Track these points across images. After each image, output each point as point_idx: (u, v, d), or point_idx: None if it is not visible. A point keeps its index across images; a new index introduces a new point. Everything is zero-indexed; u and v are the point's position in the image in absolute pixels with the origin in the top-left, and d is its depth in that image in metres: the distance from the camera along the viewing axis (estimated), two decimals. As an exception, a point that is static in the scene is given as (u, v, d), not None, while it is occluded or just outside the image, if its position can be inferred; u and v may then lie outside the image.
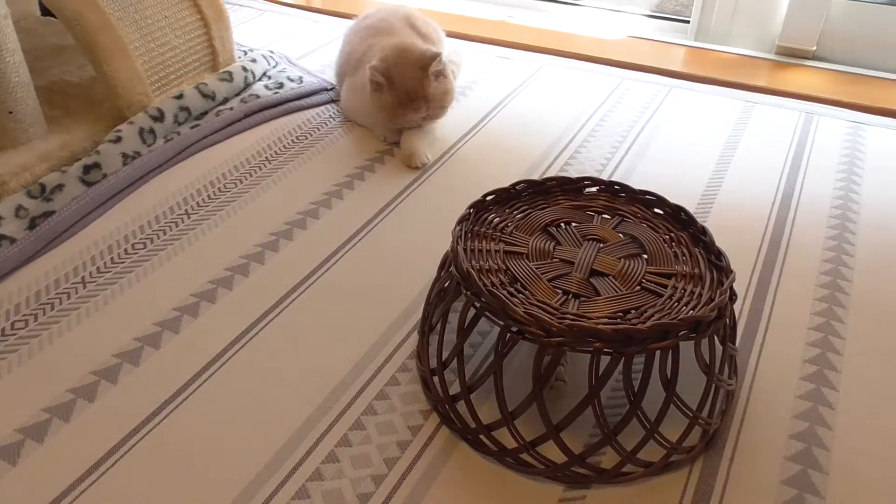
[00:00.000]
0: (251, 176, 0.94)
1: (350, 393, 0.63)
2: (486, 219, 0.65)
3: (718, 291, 0.55)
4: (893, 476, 0.57)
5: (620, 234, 0.63)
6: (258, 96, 1.08)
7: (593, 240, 0.63)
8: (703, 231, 0.62)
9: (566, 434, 0.54)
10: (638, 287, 0.57)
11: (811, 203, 0.90)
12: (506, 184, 0.69)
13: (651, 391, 0.53)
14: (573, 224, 0.65)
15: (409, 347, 0.68)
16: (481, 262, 0.59)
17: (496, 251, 0.61)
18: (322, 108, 1.10)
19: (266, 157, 0.97)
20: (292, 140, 1.02)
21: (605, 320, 0.53)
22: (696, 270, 0.59)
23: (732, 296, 0.59)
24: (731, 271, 0.57)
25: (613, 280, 0.58)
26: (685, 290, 0.57)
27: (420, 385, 0.64)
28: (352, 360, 0.67)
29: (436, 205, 0.89)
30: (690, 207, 0.89)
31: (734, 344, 0.61)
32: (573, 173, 0.95)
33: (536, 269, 0.59)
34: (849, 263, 0.80)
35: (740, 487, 0.56)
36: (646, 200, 0.67)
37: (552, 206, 0.67)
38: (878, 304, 0.74)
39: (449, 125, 1.06)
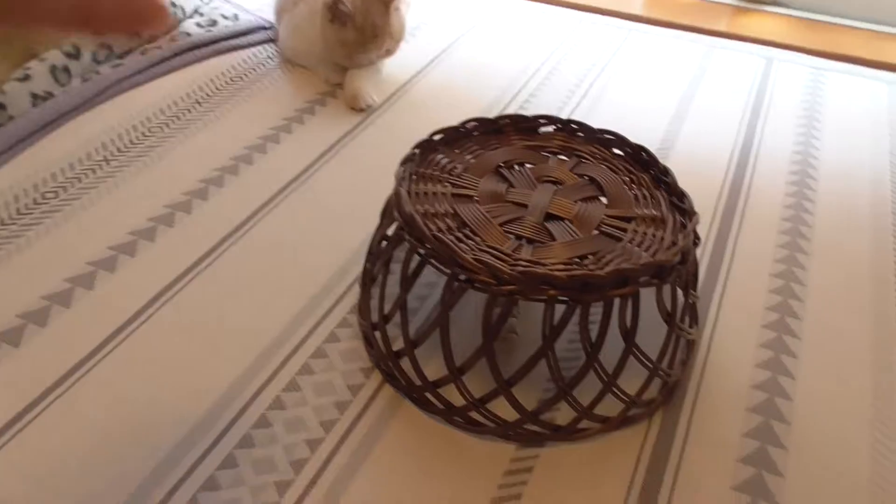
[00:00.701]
0: (179, 119, 0.86)
1: (283, 351, 0.58)
2: (433, 160, 0.59)
3: (681, 235, 0.51)
4: (853, 425, 0.55)
5: (578, 176, 0.59)
6: (188, 34, 1.00)
7: (549, 182, 0.58)
8: (665, 171, 0.58)
9: (518, 389, 0.50)
10: (596, 231, 0.53)
11: (771, 150, 0.87)
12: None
13: (609, 342, 0.49)
14: (527, 165, 0.60)
15: (349, 301, 0.63)
16: (426, 206, 0.53)
17: (443, 194, 0.55)
18: (259, 47, 1.02)
19: (196, 100, 0.89)
20: (225, 82, 0.94)
21: (561, 266, 0.48)
22: (658, 213, 0.55)
23: (696, 240, 0.55)
24: (695, 213, 0.54)
25: (570, 224, 0.53)
26: (646, 234, 0.52)
27: (361, 342, 0.59)
28: (286, 316, 0.61)
29: (381, 150, 0.83)
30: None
31: (696, 291, 0.58)
32: (539, 101, 0.90)
33: (487, 212, 0.54)
34: (810, 209, 0.77)
35: (701, 441, 0.52)
36: (605, 140, 0.62)
37: (505, 146, 0.62)
38: (840, 249, 0.72)
39: (396, 65, 0.99)
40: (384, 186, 0.77)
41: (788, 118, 0.94)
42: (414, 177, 0.57)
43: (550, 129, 0.64)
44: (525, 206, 0.55)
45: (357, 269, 0.66)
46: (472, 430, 0.51)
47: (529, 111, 0.91)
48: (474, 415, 0.51)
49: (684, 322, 0.54)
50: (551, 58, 1.04)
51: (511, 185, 0.57)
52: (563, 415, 0.52)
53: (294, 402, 0.54)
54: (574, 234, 0.52)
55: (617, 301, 0.47)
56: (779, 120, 0.93)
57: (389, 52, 0.94)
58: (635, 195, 0.57)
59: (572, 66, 1.02)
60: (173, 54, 0.96)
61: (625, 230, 0.53)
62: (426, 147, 0.60)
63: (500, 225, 0.52)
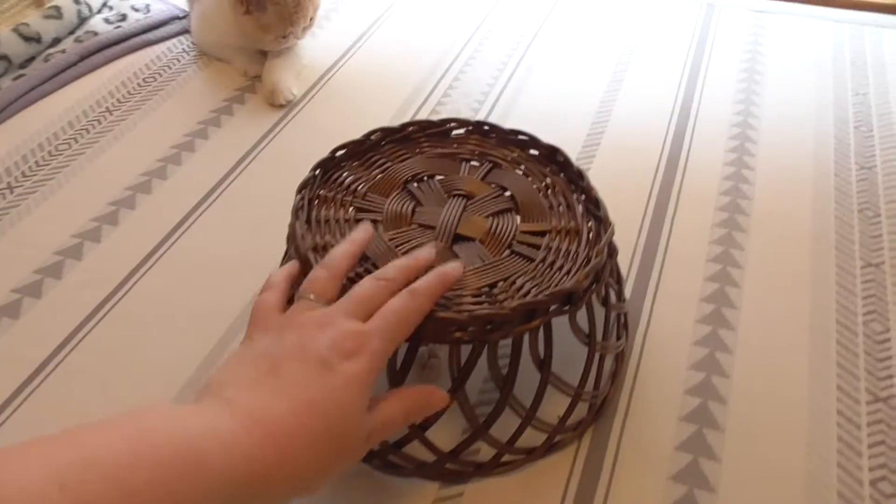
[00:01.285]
0: (88, 133, 0.81)
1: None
2: (336, 179, 0.55)
3: (595, 251, 0.48)
4: (789, 417, 0.53)
5: (489, 186, 0.55)
6: (96, 33, 0.94)
7: (459, 196, 0.54)
8: (581, 175, 0.55)
9: (439, 428, 0.48)
10: (507, 251, 0.50)
11: (711, 113, 0.84)
12: (383, 120, 0.59)
13: (527, 370, 0.47)
14: (438, 177, 0.56)
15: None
16: (327, 238, 0.50)
17: (346, 220, 0.52)
18: (173, 40, 0.96)
19: (107, 108, 0.84)
20: (138, 84, 0.88)
21: (469, 299, 0.45)
22: (573, 223, 0.52)
23: (612, 252, 0.52)
24: (610, 223, 0.50)
25: (480, 245, 0.50)
26: (560, 251, 0.49)
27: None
28: (200, 353, 0.58)
29: (304, 149, 0.78)
30: (587, 123, 0.81)
31: (622, 299, 0.55)
32: (459, 95, 0.86)
33: (390, 240, 0.50)
34: (749, 179, 0.75)
35: (631, 458, 0.51)
36: (518, 141, 0.59)
37: (415, 155, 0.58)
38: (778, 221, 0.70)
39: (316, 50, 0.94)
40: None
41: (729, 73, 0.90)
42: (314, 202, 0.53)
43: (462, 131, 0.60)
44: (433, 227, 0.51)
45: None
46: (394, 473, 0.49)
47: (459, 89, 0.87)
48: (392, 458, 0.49)
49: (609, 337, 0.52)
50: (478, 32, 0.98)
51: (419, 203, 0.54)
52: (486, 450, 0.50)
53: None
54: (484, 258, 0.49)
55: (527, 334, 0.45)
56: (719, 76, 0.89)
57: (312, 20, 0.88)
58: (550, 204, 0.53)
59: (500, 38, 0.97)
60: (80, 58, 0.90)
61: (538, 247, 0.50)
62: (327, 165, 0.56)
63: (405, 255, 0.49)
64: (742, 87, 0.87)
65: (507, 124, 0.60)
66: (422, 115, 0.83)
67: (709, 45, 0.95)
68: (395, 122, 0.60)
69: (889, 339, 0.59)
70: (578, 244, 0.50)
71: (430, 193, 0.54)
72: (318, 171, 0.55)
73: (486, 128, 0.59)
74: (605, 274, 0.49)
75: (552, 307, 0.45)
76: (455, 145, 0.59)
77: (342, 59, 0.93)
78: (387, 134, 0.59)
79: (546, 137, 0.58)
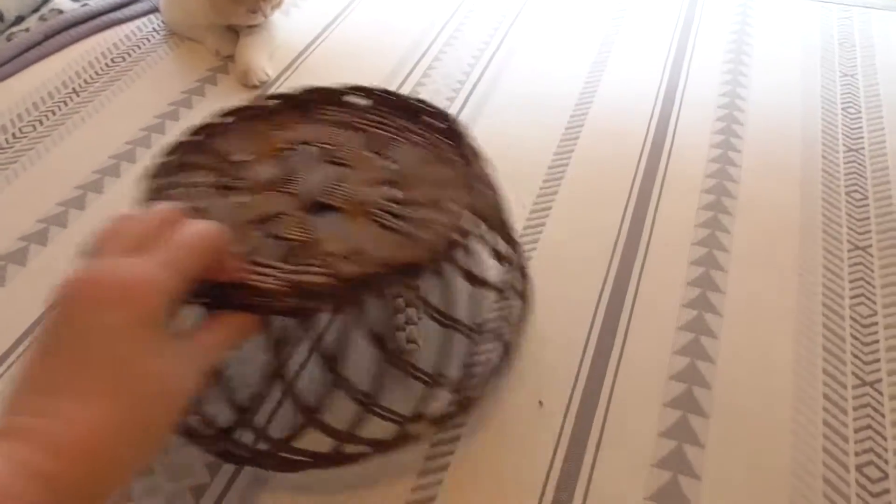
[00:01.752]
0: (54, 115, 0.78)
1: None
2: (215, 146, 0.51)
3: (454, 225, 0.44)
4: (775, 402, 0.52)
5: (375, 154, 0.51)
6: (61, 11, 0.90)
7: (336, 164, 0.50)
8: (474, 151, 0.50)
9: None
10: (372, 222, 0.45)
11: (697, 94, 0.82)
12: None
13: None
14: (319, 145, 0.52)
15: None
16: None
17: (205, 185, 0.48)
18: (143, 19, 0.93)
19: (73, 89, 0.81)
20: (106, 64, 0.85)
21: (317, 271, 0.41)
22: (458, 195, 0.47)
23: (465, 233, 0.46)
24: (495, 189, 0.47)
25: (342, 215, 0.46)
26: (424, 221, 0.45)
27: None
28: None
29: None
30: (570, 105, 0.79)
31: (515, 264, 0.52)
32: (439, 76, 0.84)
33: (242, 206, 0.46)
34: (736, 161, 0.73)
35: (615, 444, 0.49)
36: (415, 108, 0.55)
37: (310, 123, 0.54)
38: (765, 204, 0.68)
39: (291, 30, 0.91)
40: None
41: (716, 54, 0.88)
42: (184, 167, 0.49)
43: (363, 101, 0.56)
44: (295, 195, 0.47)
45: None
46: (236, 462, 0.47)
47: (439, 71, 0.85)
48: (227, 446, 0.46)
49: (479, 318, 0.48)
50: (458, 12, 0.96)
51: (290, 170, 0.49)
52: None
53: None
54: (341, 229, 0.45)
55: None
56: (705, 58, 0.88)
57: (275, 7, 0.85)
58: (432, 175, 0.49)
59: (481, 19, 0.94)
60: (45, 37, 0.87)
61: (405, 218, 0.45)
62: (210, 130, 0.52)
63: (255, 222, 0.45)
64: (728, 69, 0.86)
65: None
66: (405, 90, 0.80)
67: (695, 26, 0.93)
68: None
69: (876, 322, 0.58)
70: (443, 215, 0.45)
71: (303, 160, 0.50)
72: (202, 136, 0.51)
73: (386, 95, 0.55)
74: (457, 249, 0.44)
75: (390, 279, 0.41)
76: (354, 115, 0.55)
77: (317, 39, 0.90)
78: (285, 101, 0.55)
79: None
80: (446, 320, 0.46)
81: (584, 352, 0.55)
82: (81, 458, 0.30)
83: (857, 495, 0.47)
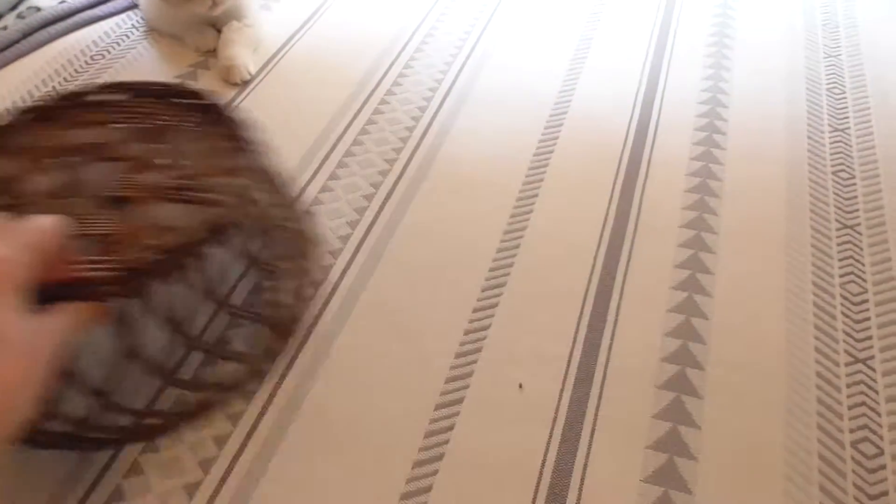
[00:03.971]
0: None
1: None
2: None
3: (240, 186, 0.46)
4: (768, 382, 0.52)
5: (142, 144, 0.51)
6: (39, 9, 0.89)
7: (112, 160, 0.49)
8: (244, 129, 0.51)
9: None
10: (170, 200, 0.45)
11: (681, 78, 0.82)
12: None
13: None
14: (89, 148, 0.51)
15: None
16: None
17: None
18: (122, 16, 0.91)
19: (53, 87, 0.80)
20: (86, 61, 0.84)
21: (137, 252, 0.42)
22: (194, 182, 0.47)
23: (220, 231, 0.46)
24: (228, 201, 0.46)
25: (142, 202, 0.46)
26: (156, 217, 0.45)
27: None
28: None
29: (262, 127, 0.75)
30: (553, 92, 0.79)
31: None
32: (421, 66, 0.83)
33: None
34: (721, 144, 0.73)
35: (610, 428, 0.49)
36: (165, 92, 0.54)
37: (64, 129, 0.52)
38: (752, 186, 0.68)
39: (271, 24, 0.90)
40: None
41: (699, 37, 0.88)
42: None
43: (125, 97, 0.55)
44: (87, 197, 0.46)
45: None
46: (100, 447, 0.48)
47: (421, 62, 0.84)
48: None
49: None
50: (436, 7, 0.95)
51: (73, 176, 0.48)
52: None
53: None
54: (145, 213, 0.45)
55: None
56: (688, 41, 0.87)
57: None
58: (200, 149, 0.49)
59: (458, 15, 0.94)
60: (23, 35, 0.86)
61: (194, 189, 0.46)
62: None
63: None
64: (712, 53, 0.86)
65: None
66: (380, 92, 0.80)
67: (677, 9, 0.93)
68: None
69: (867, 300, 0.58)
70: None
71: (83, 165, 0.49)
72: None
73: (153, 87, 0.55)
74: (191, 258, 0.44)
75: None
76: (115, 111, 0.53)
77: (297, 34, 0.89)
78: (36, 112, 0.53)
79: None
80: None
81: (576, 337, 0.55)
82: None
83: (853, 471, 0.47)
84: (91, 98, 0.55)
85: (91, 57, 0.85)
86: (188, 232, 0.43)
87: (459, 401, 0.51)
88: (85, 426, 0.46)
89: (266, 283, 0.51)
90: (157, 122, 0.53)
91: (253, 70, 0.82)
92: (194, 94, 0.54)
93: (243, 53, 0.82)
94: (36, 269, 0.37)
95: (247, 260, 0.48)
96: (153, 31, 0.89)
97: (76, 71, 0.82)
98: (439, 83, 0.81)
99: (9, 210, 0.45)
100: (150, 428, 0.48)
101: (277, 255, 0.53)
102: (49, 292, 0.39)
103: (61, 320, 0.38)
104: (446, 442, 0.49)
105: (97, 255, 0.42)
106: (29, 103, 0.54)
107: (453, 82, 0.81)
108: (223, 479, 0.47)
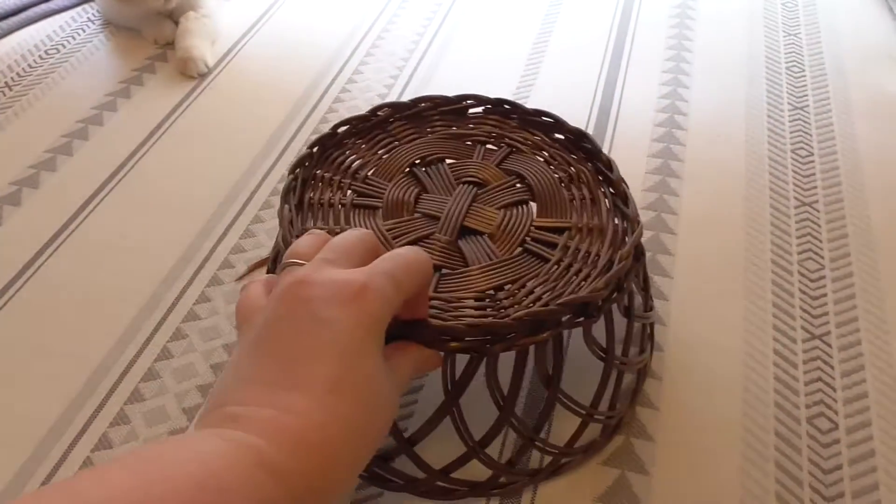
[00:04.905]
0: (-14, 110, 0.75)
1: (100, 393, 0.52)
2: (335, 158, 0.50)
3: (619, 255, 0.42)
4: (726, 361, 0.52)
5: (505, 173, 0.49)
6: (-9, 4, 0.87)
7: (469, 183, 0.49)
8: (609, 165, 0.49)
9: (433, 444, 0.43)
10: (520, 249, 0.44)
11: (642, 58, 0.82)
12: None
13: (534, 384, 0.44)
14: (448, 161, 0.50)
15: (188, 302, 0.57)
16: (319, 223, 0.45)
17: (342, 205, 0.46)
18: (77, 9, 0.90)
19: (5, 83, 0.79)
20: (40, 56, 0.83)
21: (471, 303, 0.41)
22: (596, 220, 0.46)
23: (639, 256, 0.47)
24: (638, 222, 0.45)
25: (488, 241, 0.45)
26: (579, 252, 0.44)
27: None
28: (108, 340, 0.55)
29: (219, 120, 0.74)
30: (516, 76, 0.78)
31: (648, 308, 0.51)
32: (383, 55, 0.82)
33: (388, 231, 0.45)
34: (682, 124, 0.73)
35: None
36: (541, 124, 0.53)
37: (425, 135, 0.52)
38: (712, 166, 0.68)
39: (229, 16, 0.89)
40: (225, 165, 0.70)
41: (661, 17, 0.88)
42: (311, 183, 0.48)
43: (479, 110, 0.54)
44: (438, 217, 0.46)
45: (192, 266, 0.59)
46: (381, 486, 0.45)
47: (382, 49, 0.83)
48: (379, 471, 0.44)
49: (629, 351, 0.47)
50: (391, 3, 0.94)
51: (424, 190, 0.48)
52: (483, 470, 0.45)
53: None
54: (491, 255, 0.44)
55: (533, 347, 0.40)
56: (650, 20, 0.87)
57: None
58: (572, 196, 0.48)
59: (417, 3, 0.93)
60: (-27, 31, 0.84)
61: (555, 245, 0.44)
62: (327, 143, 0.50)
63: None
64: (674, 33, 0.86)
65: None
66: (341, 80, 0.79)
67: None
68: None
69: (824, 276, 0.59)
70: (601, 245, 0.44)
71: (438, 179, 0.49)
72: (315, 149, 0.49)
73: (507, 107, 0.53)
74: (629, 281, 0.43)
75: (563, 318, 0.40)
76: (471, 125, 0.53)
77: (256, 25, 0.88)
78: (396, 110, 0.53)
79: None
80: (605, 356, 0.44)
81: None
82: (311, 453, 0.28)
83: (808, 447, 0.48)
84: (473, 110, 0.54)
85: (46, 51, 0.83)
86: (546, 303, 0.40)
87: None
88: (441, 475, 0.44)
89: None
90: (513, 146, 0.51)
91: (211, 63, 0.81)
92: (563, 126, 0.52)
93: (200, 45, 0.81)
94: (407, 294, 0.34)
95: (598, 351, 0.44)
96: (110, 23, 0.87)
97: (30, 66, 0.81)
98: (406, 61, 0.81)
99: (366, 210, 0.46)
100: (502, 485, 0.45)
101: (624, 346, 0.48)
102: (401, 328, 0.37)
103: (407, 365, 0.36)
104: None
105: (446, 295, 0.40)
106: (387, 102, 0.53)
107: (421, 58, 0.81)
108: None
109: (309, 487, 0.27)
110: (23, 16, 0.87)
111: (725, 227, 0.62)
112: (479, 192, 0.48)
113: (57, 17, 0.88)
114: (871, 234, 0.62)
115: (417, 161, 0.50)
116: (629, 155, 0.69)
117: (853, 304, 0.56)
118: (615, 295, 0.42)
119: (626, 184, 0.48)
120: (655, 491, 0.45)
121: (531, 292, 0.41)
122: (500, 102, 0.54)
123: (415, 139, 0.52)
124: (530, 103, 0.74)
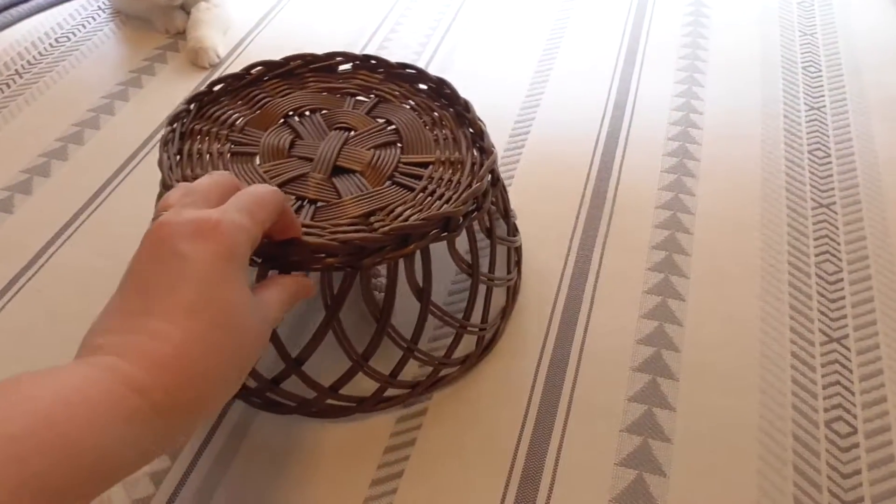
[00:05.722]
0: (-4, 98, 0.75)
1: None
2: (213, 114, 0.52)
3: (475, 178, 0.47)
4: (743, 362, 0.52)
5: (374, 119, 0.53)
6: (1, -9, 0.86)
7: (341, 129, 0.52)
8: (467, 107, 0.52)
9: (318, 362, 0.46)
10: (388, 182, 0.48)
11: (657, 59, 0.81)
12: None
13: (410, 301, 0.46)
14: (321, 112, 0.53)
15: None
16: (198, 171, 0.47)
17: (219, 154, 0.49)
18: (87, -2, 0.89)
19: (16, 70, 0.78)
20: (51, 44, 0.82)
21: (345, 228, 0.43)
22: (457, 154, 0.50)
23: (495, 182, 0.50)
24: (492, 152, 0.49)
25: (360, 177, 0.48)
26: (442, 180, 0.48)
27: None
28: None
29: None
30: (528, 73, 0.78)
31: (511, 234, 0.54)
32: (389, 55, 0.82)
33: (266, 173, 0.48)
34: (697, 123, 0.72)
35: (584, 411, 0.49)
36: (407, 76, 0.56)
37: (298, 90, 0.55)
38: (728, 165, 0.68)
39: (240, 7, 0.88)
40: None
41: (675, 18, 0.87)
42: (188, 135, 0.50)
43: (349, 66, 0.57)
44: (311, 159, 0.49)
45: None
46: (276, 411, 0.48)
47: (388, 51, 0.83)
48: (271, 395, 0.47)
49: (494, 269, 0.51)
50: (398, 4, 0.94)
51: (298, 137, 0.51)
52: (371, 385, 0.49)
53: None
54: (363, 188, 0.47)
55: (402, 261, 0.43)
56: (665, 22, 0.87)
57: None
58: (435, 137, 0.51)
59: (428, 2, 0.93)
60: (-16, 18, 0.83)
61: (420, 177, 0.48)
62: (203, 99, 0.52)
63: (280, 186, 0.47)
64: (688, 31, 0.85)
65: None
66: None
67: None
68: None
69: (842, 279, 0.58)
70: (461, 174, 0.48)
71: (311, 127, 0.52)
72: (192, 105, 0.51)
73: (374, 62, 0.57)
74: (487, 201, 0.47)
75: (428, 232, 0.43)
76: (341, 80, 0.56)
77: (266, 17, 0.88)
78: (269, 68, 0.55)
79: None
80: (470, 271, 0.48)
81: (551, 319, 0.54)
82: (171, 370, 0.30)
83: (827, 451, 0.47)
84: (343, 66, 0.57)
85: (56, 39, 0.83)
86: (411, 219, 0.43)
87: None
88: (331, 392, 0.47)
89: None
90: (396, 102, 0.54)
91: (222, 53, 0.80)
92: (423, 75, 0.55)
93: (212, 35, 0.80)
94: (265, 225, 0.36)
95: (464, 266, 0.48)
96: (119, 13, 0.87)
97: (40, 54, 0.80)
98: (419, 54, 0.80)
99: (243, 157, 0.49)
100: (384, 399, 0.49)
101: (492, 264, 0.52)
102: (272, 249, 0.40)
103: (278, 297, 0.38)
104: None
105: (312, 221, 0.43)
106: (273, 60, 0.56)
107: (433, 53, 0.80)
108: (192, 464, 0.46)
109: (173, 403, 0.29)
110: (33, 3, 0.87)
111: (742, 228, 0.62)
112: (350, 136, 0.51)
113: (66, 5, 0.88)
114: (890, 236, 0.61)
115: (291, 112, 0.53)
116: (645, 153, 0.69)
117: (872, 308, 0.56)
118: (474, 213, 0.46)
119: (482, 122, 0.51)
120: (672, 492, 0.45)
121: (399, 216, 0.45)
122: (367, 58, 0.57)
123: (288, 94, 0.54)
124: (543, 105, 0.74)
